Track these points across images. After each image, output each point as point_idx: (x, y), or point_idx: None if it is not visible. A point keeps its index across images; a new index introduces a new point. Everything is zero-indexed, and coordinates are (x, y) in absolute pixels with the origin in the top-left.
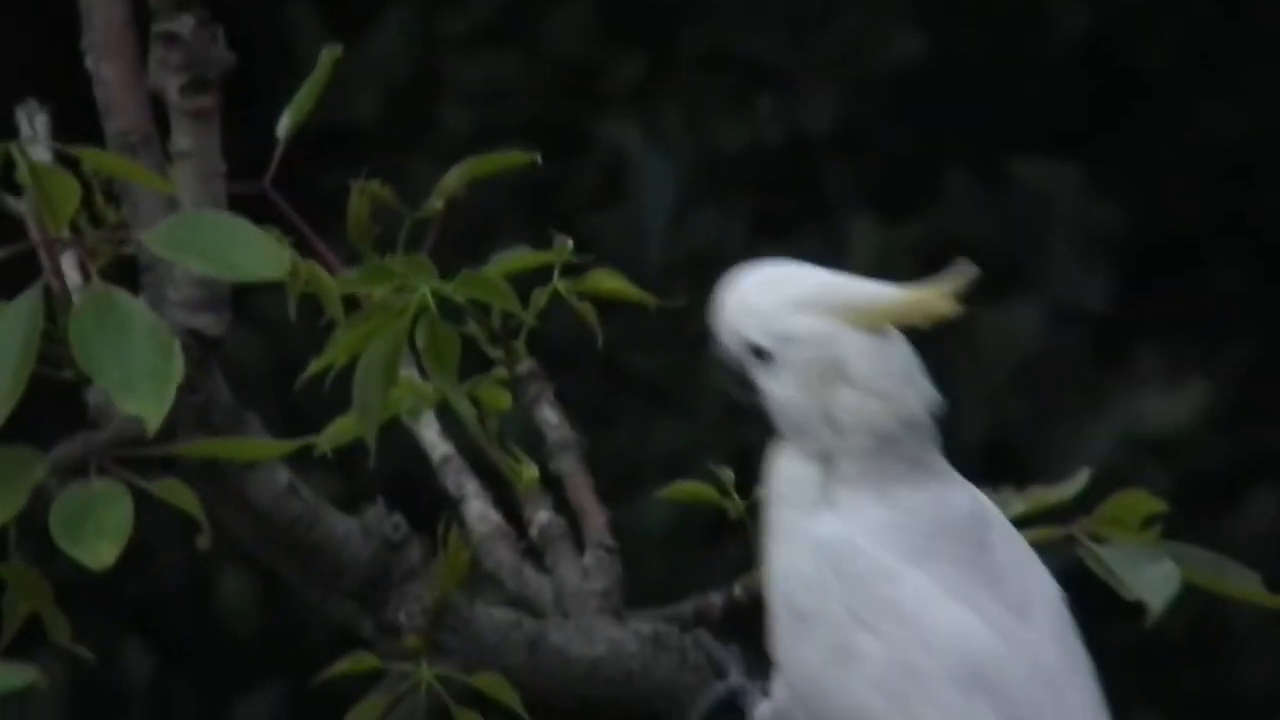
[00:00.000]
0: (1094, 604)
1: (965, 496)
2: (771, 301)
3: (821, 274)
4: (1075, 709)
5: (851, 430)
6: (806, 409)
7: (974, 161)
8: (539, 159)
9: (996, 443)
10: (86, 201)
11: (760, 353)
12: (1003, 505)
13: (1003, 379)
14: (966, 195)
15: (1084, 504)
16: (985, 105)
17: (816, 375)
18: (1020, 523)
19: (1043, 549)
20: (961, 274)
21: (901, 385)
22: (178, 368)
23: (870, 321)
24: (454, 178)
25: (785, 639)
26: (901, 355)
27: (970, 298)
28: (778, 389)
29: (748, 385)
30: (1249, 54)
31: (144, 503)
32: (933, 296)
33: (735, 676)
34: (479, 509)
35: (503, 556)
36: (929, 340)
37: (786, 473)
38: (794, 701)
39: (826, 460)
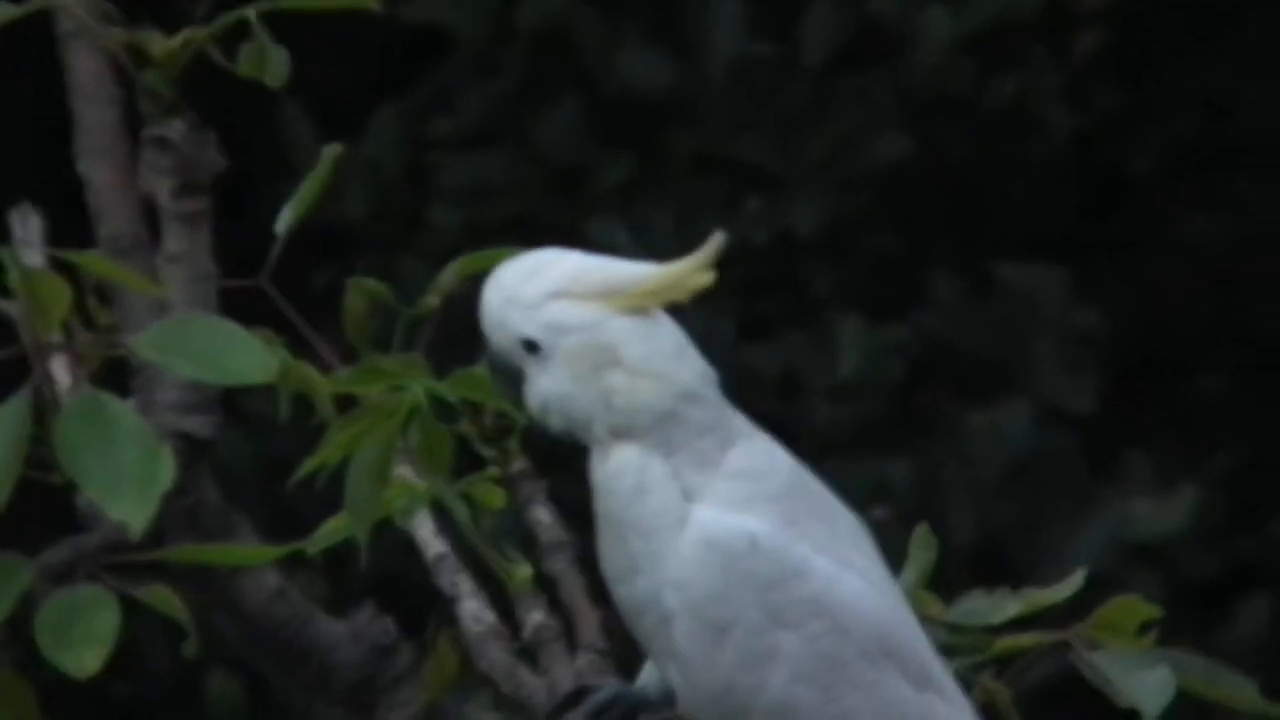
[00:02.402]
0: (1089, 711)
1: (774, 444)
2: (533, 291)
3: (579, 257)
4: (919, 628)
5: (627, 412)
6: (581, 398)
7: (960, 264)
8: None
9: (985, 545)
10: (79, 304)
11: (531, 345)
12: (998, 606)
13: (991, 481)
14: (952, 297)
15: (1074, 608)
16: (971, 208)
17: (588, 362)
18: (1015, 625)
19: (1038, 655)
20: (714, 244)
21: (673, 363)
22: (165, 472)
23: (633, 302)
24: (449, 274)
25: (692, 645)
26: (669, 333)
27: (957, 399)
28: (550, 382)
29: (522, 386)
30: (1234, 161)
31: (132, 606)
32: (690, 271)
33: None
34: (473, 609)
35: (496, 658)
36: (917, 440)
37: (615, 464)
38: (703, 700)
39: (633, 440)
